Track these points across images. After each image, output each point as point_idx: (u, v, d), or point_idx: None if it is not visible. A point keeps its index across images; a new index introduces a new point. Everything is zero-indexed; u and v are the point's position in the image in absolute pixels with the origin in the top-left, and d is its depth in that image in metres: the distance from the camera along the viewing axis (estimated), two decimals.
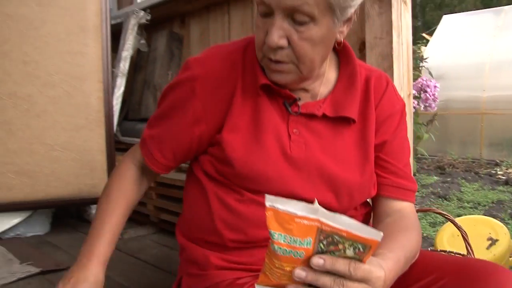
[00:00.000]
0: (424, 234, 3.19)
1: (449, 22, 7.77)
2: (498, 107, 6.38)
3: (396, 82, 1.42)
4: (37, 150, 1.71)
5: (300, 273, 0.61)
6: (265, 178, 0.85)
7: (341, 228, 0.58)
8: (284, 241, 0.59)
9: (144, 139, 0.96)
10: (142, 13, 2.11)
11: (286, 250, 0.59)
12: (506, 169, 5.54)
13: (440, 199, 4.32)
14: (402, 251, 0.77)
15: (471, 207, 4.03)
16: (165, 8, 2.21)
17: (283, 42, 0.78)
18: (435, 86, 1.67)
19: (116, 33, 2.21)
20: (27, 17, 1.66)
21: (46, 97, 1.70)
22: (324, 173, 0.87)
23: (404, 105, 0.98)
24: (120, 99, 2.09)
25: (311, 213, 0.59)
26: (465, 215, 3.78)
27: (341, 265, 0.60)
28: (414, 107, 1.61)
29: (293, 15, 0.77)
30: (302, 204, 0.59)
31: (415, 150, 1.94)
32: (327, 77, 0.93)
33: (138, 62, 2.38)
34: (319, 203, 0.86)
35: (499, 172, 5.40)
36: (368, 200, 0.99)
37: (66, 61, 1.72)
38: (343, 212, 0.89)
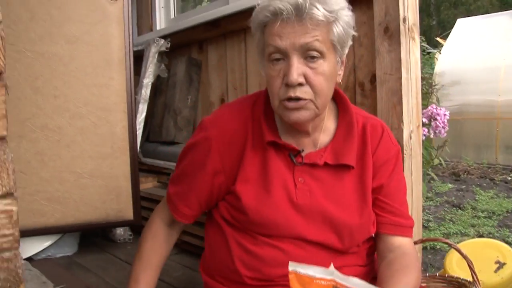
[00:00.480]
0: (438, 246, 3.24)
1: (463, 26, 7.72)
2: None
3: (405, 116, 1.49)
4: (67, 178, 1.82)
5: None
6: (275, 224, 0.97)
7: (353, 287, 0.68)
8: None
9: (170, 196, 1.08)
10: (162, 41, 2.22)
11: None
12: None
13: (455, 208, 4.35)
14: None
15: (485, 217, 4.05)
16: (184, 35, 2.30)
17: (302, 79, 0.89)
18: (444, 114, 1.74)
19: (137, 58, 2.31)
20: (57, 54, 1.77)
21: (75, 128, 1.81)
22: (327, 217, 0.98)
23: (399, 149, 1.09)
24: (142, 124, 2.20)
25: (328, 275, 0.69)
26: (479, 225, 3.82)
27: None
28: (424, 135, 1.68)
29: (306, 53, 0.89)
30: (320, 268, 0.69)
31: (428, 162, 2.00)
32: (327, 126, 1.04)
33: (158, 87, 2.49)
34: (324, 244, 0.98)
35: None
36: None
37: (93, 94, 1.83)
38: (346, 249, 1.01)
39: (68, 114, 1.81)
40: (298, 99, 0.90)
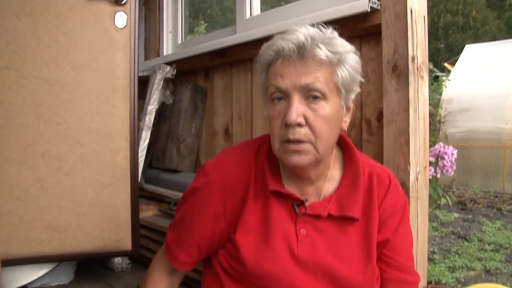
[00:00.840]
0: (443, 281, 3.17)
1: (471, 52, 7.72)
2: None
3: (412, 157, 1.45)
4: (66, 206, 1.79)
5: None
6: (274, 278, 0.93)
7: None
8: None
9: (168, 244, 1.04)
10: (168, 68, 2.21)
11: None
12: None
13: (460, 240, 4.27)
14: None
15: (492, 250, 3.96)
16: (190, 62, 2.29)
17: (302, 119, 0.86)
18: (452, 153, 1.70)
19: (143, 83, 2.31)
20: (61, 81, 1.76)
21: (76, 155, 1.79)
22: (329, 272, 0.94)
23: (406, 201, 1.04)
24: (145, 151, 2.17)
25: None
26: (486, 259, 3.73)
27: None
28: (431, 174, 1.64)
29: (307, 93, 0.87)
30: None
31: (435, 201, 1.95)
32: (332, 174, 1.00)
33: (163, 113, 2.47)
34: None
35: None
36: None
37: (96, 121, 1.81)
38: None
39: (70, 142, 1.78)
40: (298, 141, 0.87)
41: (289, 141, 0.88)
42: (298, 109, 0.86)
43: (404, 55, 1.45)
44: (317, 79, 0.86)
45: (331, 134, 0.91)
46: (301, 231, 0.95)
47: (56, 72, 1.76)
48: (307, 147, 0.88)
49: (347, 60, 0.90)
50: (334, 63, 0.88)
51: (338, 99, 0.91)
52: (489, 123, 6.50)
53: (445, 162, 1.69)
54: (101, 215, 1.84)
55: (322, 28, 0.91)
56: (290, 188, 0.97)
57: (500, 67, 6.95)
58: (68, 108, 1.78)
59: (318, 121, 0.87)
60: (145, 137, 2.15)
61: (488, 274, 3.41)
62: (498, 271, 3.46)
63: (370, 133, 1.63)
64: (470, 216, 5.12)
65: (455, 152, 1.71)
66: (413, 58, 1.46)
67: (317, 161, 0.92)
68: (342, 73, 0.89)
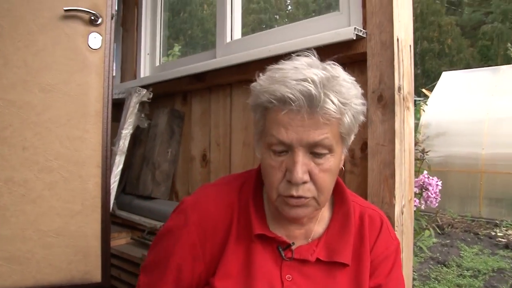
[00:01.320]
0: None
1: (448, 79, 7.91)
2: (497, 164, 6.40)
3: (398, 190, 1.40)
4: (30, 236, 1.66)
5: None
6: None
7: None
8: None
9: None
10: (144, 91, 2.12)
11: None
12: (506, 230, 5.48)
13: (439, 265, 4.25)
14: None
15: (470, 276, 3.96)
16: (168, 85, 2.22)
17: (307, 177, 0.80)
18: (436, 184, 1.66)
19: (118, 106, 2.22)
20: (29, 103, 1.66)
21: (43, 182, 1.68)
22: None
23: (398, 244, 0.97)
24: (118, 177, 2.07)
25: None
26: (465, 285, 3.71)
27: None
28: (415, 205, 1.59)
29: (314, 149, 0.79)
30: None
31: (418, 233, 1.91)
32: (322, 215, 0.93)
33: (138, 136, 2.37)
34: None
35: (498, 234, 5.34)
36: None
37: (65, 147, 1.71)
38: None
39: (37, 168, 1.67)
40: (300, 197, 0.81)
41: (291, 197, 0.81)
42: (304, 166, 0.79)
43: (390, 85, 1.41)
44: (327, 135, 0.79)
45: (332, 184, 0.86)
46: (287, 277, 0.87)
47: (24, 94, 1.65)
48: (309, 201, 0.83)
49: (353, 106, 0.83)
50: (342, 113, 0.81)
51: (341, 147, 0.86)
52: (466, 148, 6.61)
53: (429, 193, 1.65)
54: (68, 245, 1.72)
55: (325, 65, 0.83)
56: (277, 230, 0.90)
57: (475, 94, 7.11)
58: (36, 132, 1.67)
59: (322, 176, 0.81)
60: (119, 162, 2.05)
61: None
62: None
63: (353, 163, 1.58)
64: (448, 241, 5.13)
65: (439, 183, 1.67)
66: (399, 89, 1.42)
67: (316, 211, 0.87)
68: (348, 120, 0.82)
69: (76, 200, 1.73)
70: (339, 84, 0.80)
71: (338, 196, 0.94)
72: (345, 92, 0.80)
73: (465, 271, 4.08)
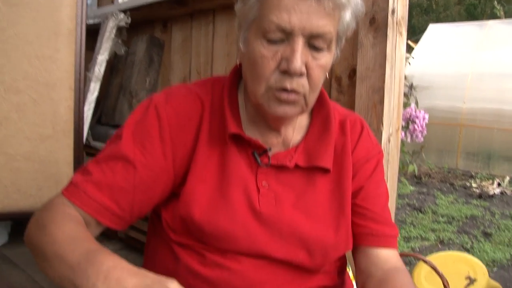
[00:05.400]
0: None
1: (434, 31, 7.81)
2: (477, 119, 6.45)
3: (386, 116, 1.35)
4: None
5: None
6: (231, 237, 0.78)
7: None
8: None
9: (79, 185, 0.77)
10: (122, 15, 1.98)
11: None
12: (480, 182, 5.61)
13: (415, 211, 4.34)
14: None
15: (445, 222, 4.05)
16: (147, 11, 2.07)
17: (305, 69, 0.73)
18: (423, 118, 1.61)
19: (94, 33, 2.08)
20: None
21: (10, 103, 1.57)
22: (296, 231, 0.80)
23: (381, 151, 0.93)
24: (93, 104, 1.96)
25: None
26: (440, 230, 3.80)
27: None
28: (401, 139, 1.55)
29: (313, 41, 0.73)
30: None
31: (402, 168, 1.88)
32: (300, 124, 0.87)
33: (115, 65, 2.25)
34: (291, 263, 0.80)
35: (473, 185, 5.46)
36: None
37: (34, 66, 1.59)
38: (317, 269, 0.84)
39: (3, 88, 1.55)
40: (293, 91, 0.74)
41: (283, 90, 0.74)
42: (303, 56, 0.72)
43: (383, 7, 1.33)
44: (330, 27, 0.72)
45: (321, 84, 0.79)
46: (263, 183, 0.81)
47: None
48: (299, 99, 0.75)
49: (353, 3, 0.76)
50: (345, 7, 0.74)
51: (335, 48, 0.79)
52: (448, 102, 6.62)
53: (415, 126, 1.61)
54: (38, 171, 1.63)
55: None
56: (252, 134, 0.83)
57: (461, 48, 7.06)
58: (0, 48, 1.55)
59: (318, 72, 0.75)
60: (94, 89, 1.94)
61: (442, 244, 3.48)
62: (451, 241, 3.55)
63: (340, 91, 1.51)
64: (425, 190, 5.24)
65: (426, 116, 1.62)
66: (393, 11, 1.34)
67: (302, 113, 0.80)
68: (347, 18, 0.76)
69: (46, 123, 1.63)
70: None
71: (317, 101, 0.85)
72: None
73: (440, 218, 4.17)
